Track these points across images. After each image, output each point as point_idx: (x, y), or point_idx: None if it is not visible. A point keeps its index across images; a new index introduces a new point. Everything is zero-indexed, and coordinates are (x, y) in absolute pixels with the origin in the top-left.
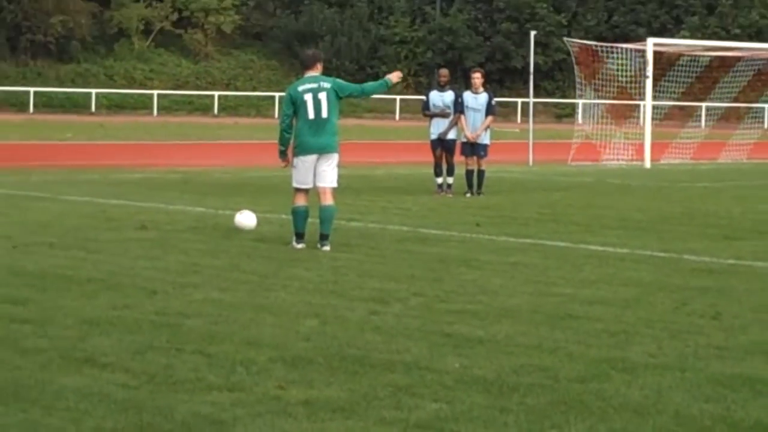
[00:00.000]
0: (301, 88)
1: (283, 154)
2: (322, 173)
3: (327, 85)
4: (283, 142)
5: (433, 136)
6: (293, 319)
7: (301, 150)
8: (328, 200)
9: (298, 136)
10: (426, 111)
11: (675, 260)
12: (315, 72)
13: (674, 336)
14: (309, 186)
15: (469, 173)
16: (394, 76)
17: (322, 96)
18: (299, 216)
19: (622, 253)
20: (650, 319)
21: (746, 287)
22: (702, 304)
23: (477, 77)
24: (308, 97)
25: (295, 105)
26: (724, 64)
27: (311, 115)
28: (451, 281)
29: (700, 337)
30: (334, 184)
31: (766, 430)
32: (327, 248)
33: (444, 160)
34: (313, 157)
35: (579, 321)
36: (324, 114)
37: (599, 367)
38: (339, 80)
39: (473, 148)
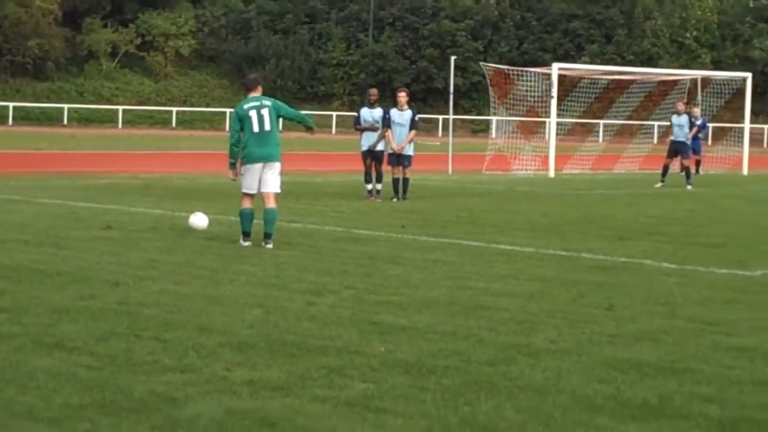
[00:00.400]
0: (246, 107)
1: (233, 165)
2: (267, 180)
3: (268, 103)
4: (233, 155)
5: (364, 148)
6: (239, 309)
7: (248, 159)
8: (271, 204)
9: (246, 147)
10: (357, 125)
11: (574, 258)
12: (256, 93)
13: (572, 325)
14: (255, 191)
15: (395, 181)
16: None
17: (265, 112)
18: (246, 217)
19: (529, 252)
20: (552, 309)
21: (636, 282)
22: (597, 296)
23: (402, 96)
24: (253, 114)
25: (242, 121)
26: (620, 86)
27: (256, 128)
28: (378, 276)
29: (595, 326)
30: (278, 190)
31: (652, 408)
32: (270, 246)
33: (373, 169)
34: (258, 166)
35: (490, 311)
36: (267, 127)
37: (507, 352)
38: (278, 101)
39: (399, 159)
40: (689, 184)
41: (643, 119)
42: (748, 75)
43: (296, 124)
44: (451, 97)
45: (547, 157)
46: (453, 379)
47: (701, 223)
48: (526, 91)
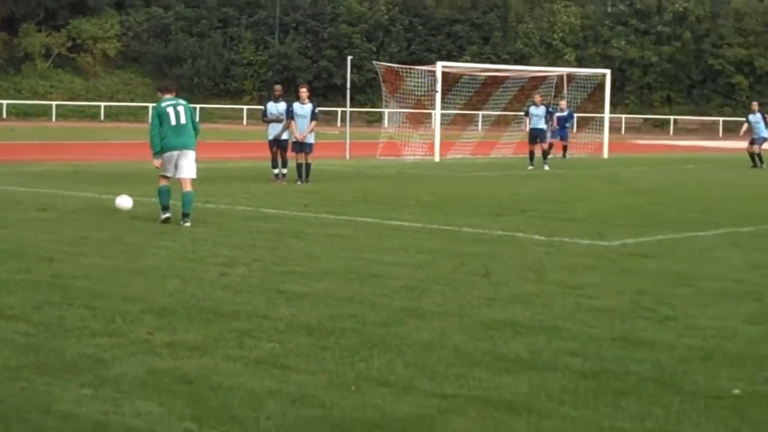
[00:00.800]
0: (164, 105)
1: (157, 155)
2: (183, 166)
3: (183, 102)
4: (154, 146)
5: (270, 137)
6: (160, 280)
7: (167, 148)
8: (188, 187)
9: (164, 138)
10: (264, 117)
11: (456, 232)
12: (170, 95)
13: (455, 290)
14: (171, 174)
15: (299, 166)
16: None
17: (180, 109)
18: (163, 194)
19: (417, 227)
20: (437, 277)
21: (510, 252)
22: (476, 265)
23: (303, 91)
24: (170, 110)
25: (161, 117)
26: (496, 81)
27: (173, 122)
28: (284, 249)
29: (474, 291)
30: (193, 175)
31: (524, 362)
32: (188, 224)
33: (279, 156)
34: (175, 153)
35: (382, 279)
36: (182, 120)
37: (397, 315)
38: (188, 105)
39: (301, 146)
40: (546, 164)
41: (517, 110)
42: (607, 71)
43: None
44: (348, 92)
45: (432, 144)
46: (350, 339)
47: (567, 201)
48: (414, 86)
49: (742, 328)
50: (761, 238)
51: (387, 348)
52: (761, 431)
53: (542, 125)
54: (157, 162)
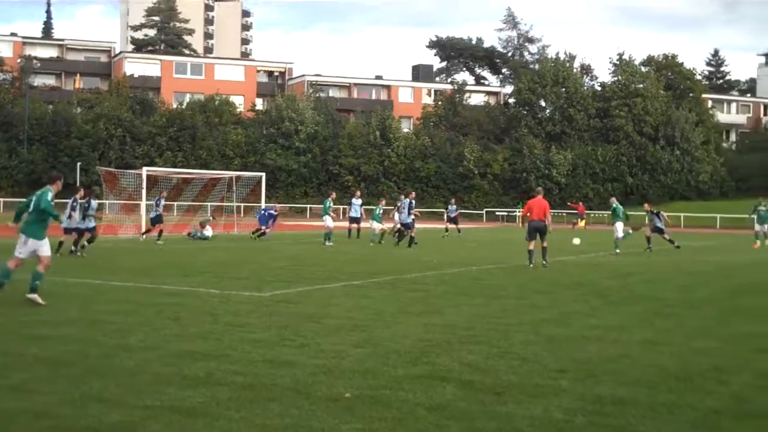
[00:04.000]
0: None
1: None
2: None
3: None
4: None
5: None
6: None
7: None
8: None
9: None
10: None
11: (156, 288)
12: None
13: (154, 330)
14: None
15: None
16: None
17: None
18: None
19: (129, 285)
20: (141, 321)
21: (194, 302)
22: (171, 312)
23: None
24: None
25: None
26: (186, 180)
27: None
28: (28, 307)
29: (167, 330)
30: None
31: (200, 380)
32: None
33: None
34: None
35: (102, 324)
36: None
37: (113, 350)
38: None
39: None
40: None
41: (201, 202)
42: (263, 174)
43: None
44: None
45: (140, 225)
46: (78, 368)
47: (236, 265)
48: (126, 184)
49: (353, 351)
50: (365, 288)
51: (104, 374)
52: (366, 423)
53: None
54: None
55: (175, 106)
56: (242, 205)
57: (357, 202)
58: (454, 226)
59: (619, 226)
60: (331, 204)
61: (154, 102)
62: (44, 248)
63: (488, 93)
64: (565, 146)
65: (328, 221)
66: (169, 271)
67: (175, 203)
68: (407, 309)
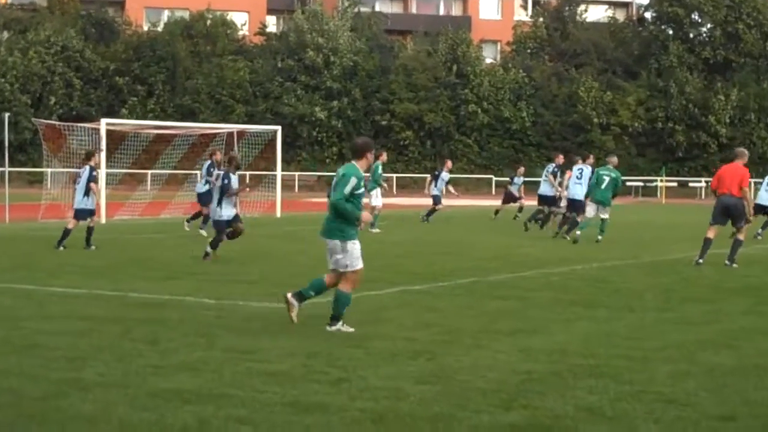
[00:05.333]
0: None
1: None
2: None
3: None
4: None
5: None
6: None
7: None
8: None
9: None
10: None
11: (122, 297)
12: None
13: (120, 359)
14: None
15: None
16: None
17: None
18: None
19: (80, 293)
20: (101, 345)
21: (179, 317)
22: (143, 331)
23: None
24: None
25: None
26: (165, 139)
27: None
28: None
29: (140, 359)
30: None
31: (192, 431)
32: None
33: None
34: None
35: (42, 349)
36: None
37: (58, 387)
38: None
39: None
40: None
41: (187, 169)
42: (278, 128)
43: None
44: (7, 152)
45: (99, 205)
46: (6, 414)
47: (242, 262)
48: (78, 144)
49: (415, 389)
50: (431, 295)
51: (47, 422)
52: None
53: (201, 189)
54: None
55: (146, 28)
56: (248, 173)
57: (446, 177)
58: (514, 205)
59: None
60: (382, 171)
61: (116, 23)
62: None
63: (613, 4)
64: (728, 82)
65: (376, 198)
66: (141, 272)
67: (149, 171)
68: (494, 326)
